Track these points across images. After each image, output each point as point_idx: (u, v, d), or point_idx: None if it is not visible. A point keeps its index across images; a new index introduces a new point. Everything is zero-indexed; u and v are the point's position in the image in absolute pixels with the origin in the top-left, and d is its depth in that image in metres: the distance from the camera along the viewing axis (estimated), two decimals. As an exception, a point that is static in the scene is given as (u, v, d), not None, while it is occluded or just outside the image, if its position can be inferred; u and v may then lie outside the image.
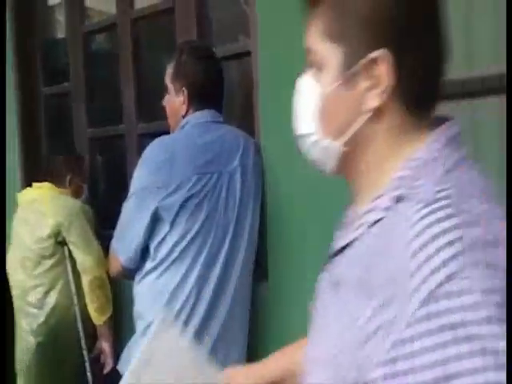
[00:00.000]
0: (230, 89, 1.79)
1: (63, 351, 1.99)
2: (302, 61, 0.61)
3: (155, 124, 2.03)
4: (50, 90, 2.53)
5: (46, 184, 2.07)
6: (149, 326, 1.34)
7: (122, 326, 2.05)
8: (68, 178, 2.09)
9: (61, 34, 2.58)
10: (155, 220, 1.34)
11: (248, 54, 1.64)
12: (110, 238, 2.03)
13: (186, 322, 1.32)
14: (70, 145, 2.36)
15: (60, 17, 2.63)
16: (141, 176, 1.39)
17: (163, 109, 1.52)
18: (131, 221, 1.39)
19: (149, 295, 1.38)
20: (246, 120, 1.71)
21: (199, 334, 1.33)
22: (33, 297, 1.97)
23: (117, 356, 1.99)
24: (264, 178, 1.48)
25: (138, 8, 2.13)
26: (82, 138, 2.34)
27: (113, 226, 2.05)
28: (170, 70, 1.46)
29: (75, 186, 2.12)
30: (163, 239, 1.34)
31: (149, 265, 1.37)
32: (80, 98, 2.34)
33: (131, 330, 1.66)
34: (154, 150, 1.40)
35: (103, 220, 2.11)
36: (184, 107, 1.44)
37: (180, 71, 1.45)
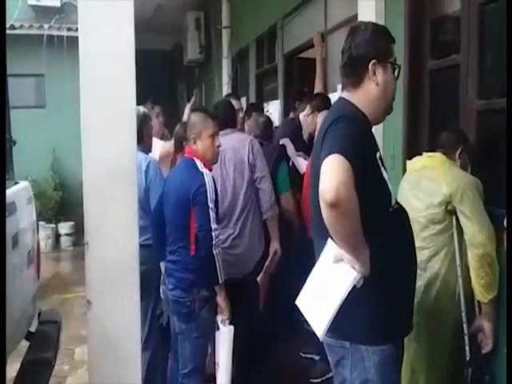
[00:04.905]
0: None
1: (441, 314, 2.01)
2: None
3: None
4: (436, 64, 2.56)
5: (437, 154, 2.12)
6: None
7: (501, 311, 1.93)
8: (459, 151, 2.08)
9: (450, 9, 2.56)
10: None
11: None
12: (495, 215, 1.93)
13: None
14: (455, 118, 2.34)
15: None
16: None
17: None
18: None
19: None
20: None
21: None
22: (417, 258, 2.03)
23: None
24: None
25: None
26: (470, 111, 2.28)
27: (497, 204, 1.94)
28: None
29: (463, 160, 2.10)
30: None
31: None
32: (471, 70, 2.28)
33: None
34: None
35: (488, 196, 2.02)
36: None
37: None
